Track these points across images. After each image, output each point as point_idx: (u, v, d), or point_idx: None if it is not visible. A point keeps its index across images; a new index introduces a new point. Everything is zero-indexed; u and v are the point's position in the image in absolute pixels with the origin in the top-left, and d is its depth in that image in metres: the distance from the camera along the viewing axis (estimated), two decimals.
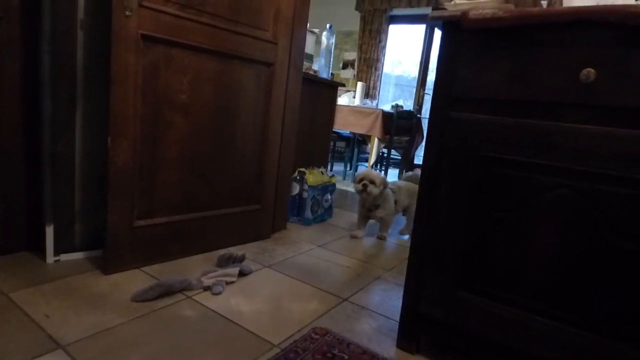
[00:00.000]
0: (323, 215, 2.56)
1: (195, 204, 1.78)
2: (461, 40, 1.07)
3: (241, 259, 1.66)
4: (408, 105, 5.51)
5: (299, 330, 1.30)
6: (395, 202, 2.37)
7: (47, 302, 1.29)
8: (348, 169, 4.42)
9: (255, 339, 1.24)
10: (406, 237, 2.49)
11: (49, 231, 1.54)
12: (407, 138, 4.09)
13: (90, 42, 1.54)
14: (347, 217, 2.76)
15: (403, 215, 2.61)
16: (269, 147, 2.05)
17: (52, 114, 1.50)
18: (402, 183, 2.54)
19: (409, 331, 1.25)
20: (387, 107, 4.05)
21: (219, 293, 1.45)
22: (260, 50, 1.89)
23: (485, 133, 1.05)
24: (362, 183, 2.20)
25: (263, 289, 1.56)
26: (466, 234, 1.11)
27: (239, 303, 1.42)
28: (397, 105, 3.88)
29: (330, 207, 2.63)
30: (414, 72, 5.90)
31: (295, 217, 2.44)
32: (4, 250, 1.56)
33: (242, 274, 1.62)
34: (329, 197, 2.57)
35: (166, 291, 1.40)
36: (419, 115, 4.39)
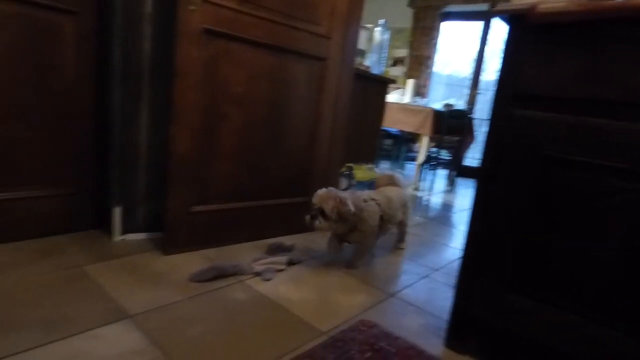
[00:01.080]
0: None
1: (246, 193, 1.84)
2: (527, 35, 1.03)
3: (290, 248, 1.70)
4: (458, 105, 5.36)
5: (345, 321, 1.31)
6: (382, 218, 1.73)
7: (115, 276, 1.39)
8: (395, 167, 4.37)
9: (304, 324, 1.27)
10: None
11: (116, 212, 1.66)
12: (457, 138, 3.98)
13: (156, 35, 1.63)
14: None
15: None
16: (319, 141, 2.08)
17: (121, 103, 1.61)
18: (392, 192, 1.87)
19: (458, 331, 1.23)
20: (437, 106, 3.97)
21: (269, 279, 1.51)
22: (315, 45, 1.92)
23: (550, 132, 1.01)
24: (311, 214, 1.59)
25: (310, 278, 1.59)
26: (522, 236, 1.07)
27: (287, 290, 1.47)
28: (448, 104, 3.78)
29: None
30: (464, 71, 5.72)
31: None
32: (76, 227, 1.70)
33: (291, 263, 1.66)
34: None
35: (220, 274, 1.47)
36: (470, 115, 4.25)
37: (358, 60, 2.67)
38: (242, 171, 1.79)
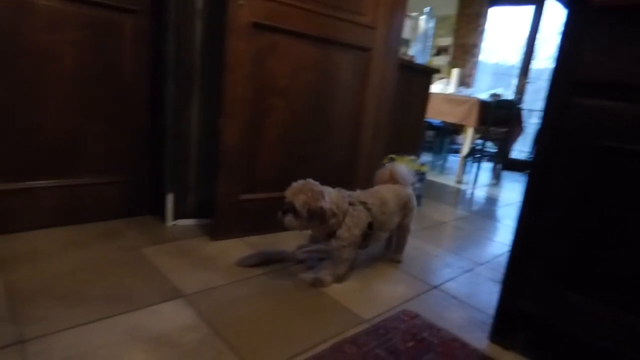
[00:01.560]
0: None
1: (289, 183, 1.88)
2: (590, 18, 0.98)
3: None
4: (506, 95, 5.14)
5: (387, 310, 1.33)
6: (371, 226, 1.46)
7: (169, 259, 1.48)
8: (437, 159, 4.28)
9: (346, 311, 1.30)
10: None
11: (169, 199, 1.76)
12: (504, 129, 3.83)
13: (206, 30, 1.69)
14: (435, 207, 2.70)
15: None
16: (362, 132, 2.08)
17: (175, 96, 1.69)
18: (389, 193, 1.59)
19: (504, 326, 1.21)
20: (483, 96, 3.83)
21: (312, 267, 1.54)
22: (359, 36, 1.92)
23: (612, 121, 0.96)
24: (282, 209, 1.36)
25: (353, 267, 1.61)
26: (577, 230, 1.03)
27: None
28: (496, 94, 3.64)
29: (419, 196, 2.59)
30: (512, 59, 5.46)
31: None
32: (133, 212, 1.82)
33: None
34: (418, 185, 2.54)
35: (265, 260, 1.52)
36: (519, 106, 4.07)
37: (402, 50, 2.62)
38: (287, 161, 1.83)
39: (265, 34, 1.62)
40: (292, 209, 1.33)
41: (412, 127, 2.78)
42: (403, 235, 1.73)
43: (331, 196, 1.37)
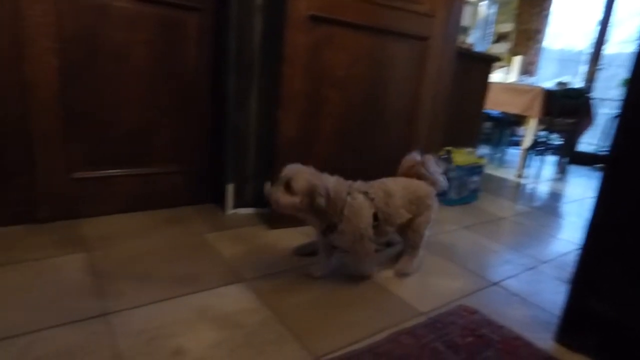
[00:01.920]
0: (467, 197, 2.46)
1: (344, 174, 1.90)
2: None
3: None
4: (573, 83, 4.79)
5: (444, 304, 1.31)
6: (376, 218, 1.34)
7: (230, 245, 1.56)
8: (495, 152, 4.10)
9: (403, 303, 1.30)
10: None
11: (229, 189, 1.84)
12: (571, 120, 3.58)
13: (265, 25, 1.74)
14: (493, 201, 2.60)
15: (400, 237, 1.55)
16: (418, 123, 2.04)
17: (234, 91, 1.76)
18: (397, 184, 1.44)
19: (573, 327, 1.15)
20: (547, 85, 3.60)
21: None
22: (416, 25, 1.88)
23: None
24: (273, 182, 1.28)
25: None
26: None
27: (385, 270, 1.50)
28: (562, 83, 3.41)
29: (477, 189, 2.51)
30: (580, 44, 5.06)
31: (437, 197, 2.40)
32: (196, 201, 1.92)
33: (388, 244, 1.69)
34: (476, 179, 2.45)
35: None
36: (588, 95, 3.78)
37: (460, 37, 2.53)
38: (342, 152, 1.85)
39: (321, 26, 1.63)
40: (285, 186, 1.20)
41: (470, 118, 2.68)
42: (413, 239, 1.48)
43: (332, 187, 1.25)
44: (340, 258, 1.46)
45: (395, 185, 1.43)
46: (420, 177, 1.50)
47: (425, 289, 1.41)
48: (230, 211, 1.87)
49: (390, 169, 2.03)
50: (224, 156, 1.85)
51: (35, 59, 1.42)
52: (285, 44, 1.56)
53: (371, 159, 1.94)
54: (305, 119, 1.70)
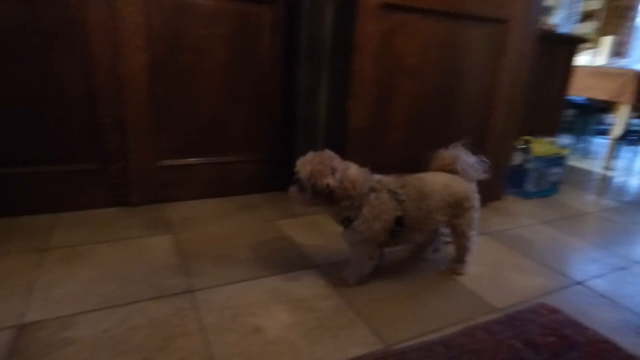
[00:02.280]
0: (547, 190, 2.30)
1: (414, 164, 1.86)
2: None
3: None
4: None
5: (522, 302, 1.25)
6: (401, 220, 1.19)
7: (300, 232, 1.61)
8: (578, 142, 3.77)
9: (476, 298, 1.26)
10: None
11: None
12: None
13: (336, 15, 1.75)
14: (576, 195, 2.40)
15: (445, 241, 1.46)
16: (494, 112, 1.94)
17: (305, 80, 1.80)
18: (436, 184, 1.28)
19: None
20: None
21: (438, 250, 1.52)
22: (495, 7, 1.78)
23: None
24: (293, 180, 1.20)
25: (481, 254, 1.54)
26: None
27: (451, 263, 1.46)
28: None
29: (557, 182, 2.33)
30: None
31: (512, 189, 2.27)
32: (267, 189, 2.00)
33: (435, 249, 1.63)
34: (557, 170, 2.28)
35: None
36: None
37: (543, 18, 2.34)
38: (413, 141, 1.81)
39: (394, 14, 1.60)
40: (299, 181, 1.16)
41: (552, 106, 2.49)
42: (459, 243, 1.36)
43: (350, 174, 1.15)
44: (402, 250, 1.45)
45: (434, 184, 1.26)
46: (456, 173, 1.34)
47: (501, 284, 1.35)
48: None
49: None
50: (294, 145, 1.90)
51: (129, 56, 1.56)
52: (356, 33, 1.56)
53: (443, 147, 1.88)
54: (375, 108, 1.69)
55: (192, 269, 1.30)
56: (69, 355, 0.91)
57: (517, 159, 2.21)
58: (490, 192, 2.08)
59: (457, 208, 1.29)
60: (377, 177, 1.23)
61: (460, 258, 1.38)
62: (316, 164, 1.14)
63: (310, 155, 1.18)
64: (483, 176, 1.36)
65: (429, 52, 1.72)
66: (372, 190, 1.18)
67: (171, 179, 1.79)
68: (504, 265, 1.48)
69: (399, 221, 1.18)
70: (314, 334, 1.04)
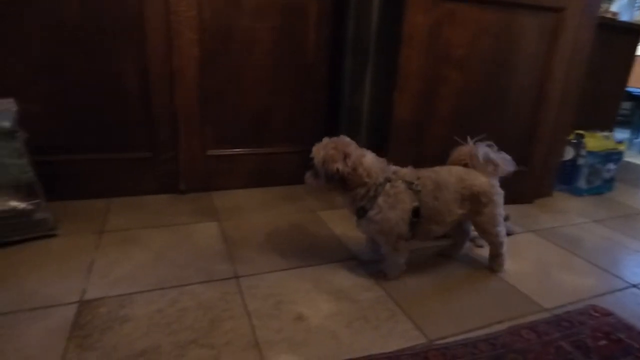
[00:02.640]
0: (600, 187, 2.18)
1: None
2: None
3: (505, 218, 1.62)
4: None
5: (571, 302, 1.20)
6: (417, 211, 1.17)
7: (341, 223, 1.62)
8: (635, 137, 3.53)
9: (522, 296, 1.22)
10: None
11: None
12: None
13: (383, 5, 1.72)
14: (633, 193, 2.26)
15: (476, 239, 1.45)
16: (545, 105, 1.85)
17: (351, 71, 1.79)
18: (452, 176, 1.25)
19: None
20: None
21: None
22: None
23: None
24: (307, 164, 1.22)
25: (528, 252, 1.50)
26: None
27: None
28: None
29: (612, 179, 2.20)
30: None
31: (562, 185, 2.17)
32: None
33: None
34: (612, 167, 2.15)
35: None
36: None
37: (603, 6, 2.20)
38: (458, 135, 1.76)
39: (443, 4, 1.56)
40: (313, 166, 1.18)
41: (608, 98, 2.35)
42: (488, 240, 1.32)
43: (365, 162, 1.15)
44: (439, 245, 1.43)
45: (450, 176, 1.24)
46: (474, 168, 1.29)
47: (548, 283, 1.31)
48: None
49: (512, 152, 1.90)
50: (338, 136, 1.91)
51: (181, 49, 1.62)
52: (404, 24, 1.53)
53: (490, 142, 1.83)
54: (420, 101, 1.66)
55: (237, 256, 1.35)
56: (125, 331, 0.98)
57: (569, 153, 2.10)
58: (538, 188, 2.01)
59: (474, 203, 1.25)
60: (393, 167, 1.22)
61: (494, 253, 1.34)
62: (330, 149, 1.15)
63: (326, 140, 1.19)
64: (503, 171, 1.31)
65: (477, 43, 1.66)
66: (388, 180, 1.17)
67: (217, 168, 1.85)
68: (551, 264, 1.43)
69: (416, 212, 1.17)
70: (355, 324, 1.06)
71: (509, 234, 1.59)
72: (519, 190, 1.94)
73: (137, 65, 1.59)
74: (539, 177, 1.97)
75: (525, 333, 1.05)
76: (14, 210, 1.29)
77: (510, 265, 1.39)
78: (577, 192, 2.12)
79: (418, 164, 1.74)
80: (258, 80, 1.79)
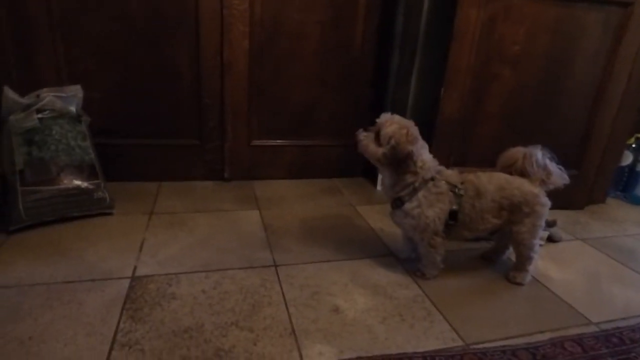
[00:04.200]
0: None
1: None
2: None
3: (551, 224, 1.56)
4: None
5: (623, 318, 1.14)
6: (455, 213, 1.16)
7: (379, 219, 1.62)
8: None
9: (567, 307, 1.18)
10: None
11: None
12: None
13: (433, 1, 1.68)
14: None
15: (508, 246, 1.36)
16: (604, 106, 1.75)
17: (397, 66, 1.77)
18: (491, 183, 1.19)
19: None
20: None
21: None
22: None
23: None
24: (365, 128, 1.24)
25: (576, 261, 1.44)
26: None
27: (547, 267, 1.37)
28: None
29: None
30: None
31: (617, 192, 2.05)
32: (348, 173, 2.04)
33: (551, 239, 1.53)
34: None
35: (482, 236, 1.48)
36: None
37: None
38: (507, 135, 1.71)
39: None
40: (375, 136, 1.16)
41: None
42: (518, 250, 1.25)
43: (423, 153, 1.17)
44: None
45: (490, 184, 1.19)
46: (524, 174, 1.23)
47: (597, 296, 1.25)
48: (380, 187, 1.93)
49: (562, 156, 1.81)
50: None
51: (232, 42, 1.66)
52: (456, 19, 1.49)
53: (540, 143, 1.75)
54: (469, 98, 1.62)
55: (276, 245, 1.38)
56: (172, 308, 1.04)
57: (627, 158, 1.97)
58: (590, 194, 1.91)
59: (513, 212, 1.20)
60: (438, 167, 1.21)
61: (520, 267, 1.27)
62: (402, 126, 1.14)
63: (397, 116, 1.18)
64: (554, 183, 1.24)
65: (533, 40, 1.59)
66: (432, 179, 1.17)
67: (260, 158, 1.90)
68: (601, 275, 1.36)
69: (453, 215, 1.16)
70: (391, 320, 1.06)
71: (555, 240, 1.54)
72: (569, 195, 1.84)
73: (191, 56, 1.66)
74: (591, 182, 1.87)
75: (570, 346, 1.01)
76: (78, 188, 1.40)
77: (555, 273, 1.34)
78: (634, 200, 1.99)
79: (463, 163, 1.72)
80: (304, 73, 1.81)
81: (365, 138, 1.21)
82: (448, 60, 1.54)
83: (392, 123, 1.15)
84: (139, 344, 0.91)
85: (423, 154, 1.17)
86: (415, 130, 1.16)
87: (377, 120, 1.18)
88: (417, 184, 1.16)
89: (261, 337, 0.97)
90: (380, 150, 1.15)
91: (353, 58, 1.85)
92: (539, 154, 1.22)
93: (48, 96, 1.35)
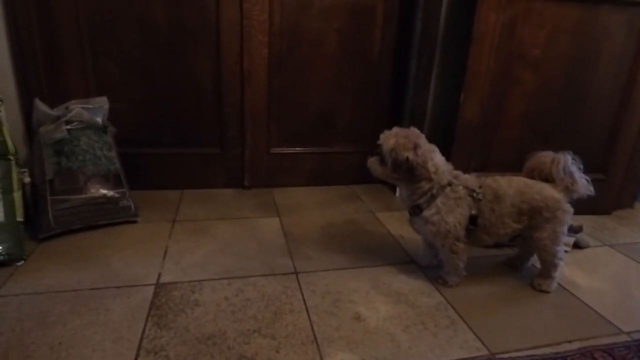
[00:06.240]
0: None
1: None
2: None
3: (577, 229, 1.52)
4: None
5: None
6: (475, 218, 1.15)
7: (400, 226, 1.61)
8: None
9: (596, 316, 1.14)
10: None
11: None
12: None
13: (451, 5, 1.67)
14: None
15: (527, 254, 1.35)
16: (631, 109, 1.70)
17: (416, 71, 1.77)
18: (511, 188, 1.17)
19: None
20: None
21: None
22: None
23: None
24: (373, 151, 1.24)
25: (604, 268, 1.40)
26: None
27: (574, 275, 1.34)
28: None
29: None
30: None
31: None
32: (366, 180, 2.02)
33: (576, 245, 1.49)
34: None
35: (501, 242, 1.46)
36: None
37: None
38: (529, 139, 1.68)
39: (518, 2, 1.49)
40: (380, 153, 1.18)
41: None
42: (541, 257, 1.22)
43: (435, 157, 1.15)
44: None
45: (509, 188, 1.17)
46: (549, 179, 1.20)
47: (628, 304, 1.21)
48: (399, 194, 1.91)
49: (585, 161, 1.77)
50: None
51: (252, 51, 1.70)
52: (475, 22, 1.48)
53: (563, 147, 1.71)
54: (489, 102, 1.60)
55: (297, 252, 1.39)
56: (196, 315, 1.05)
57: None
58: (617, 199, 1.85)
59: (534, 217, 1.17)
60: (455, 172, 1.20)
61: (545, 274, 1.24)
62: (400, 137, 1.14)
63: (396, 129, 1.19)
64: (578, 191, 1.20)
65: (554, 42, 1.56)
66: (449, 184, 1.16)
67: (279, 166, 1.91)
68: (631, 283, 1.32)
69: (473, 220, 1.15)
70: (413, 329, 1.05)
71: (582, 247, 1.50)
72: (595, 200, 1.79)
73: (212, 66, 1.69)
74: (619, 187, 1.82)
75: (600, 356, 0.98)
76: (104, 197, 1.44)
77: (583, 280, 1.30)
78: None
79: (485, 168, 1.70)
80: (322, 80, 1.83)
81: (372, 163, 1.23)
82: (467, 64, 1.53)
83: (389, 138, 1.16)
84: (164, 350, 0.93)
85: (435, 157, 1.16)
86: (414, 137, 1.15)
87: (378, 142, 1.19)
88: (434, 191, 1.15)
89: (283, 345, 0.97)
90: (387, 170, 1.17)
91: (371, 65, 1.86)
92: (568, 160, 1.19)
93: (76, 108, 1.40)
